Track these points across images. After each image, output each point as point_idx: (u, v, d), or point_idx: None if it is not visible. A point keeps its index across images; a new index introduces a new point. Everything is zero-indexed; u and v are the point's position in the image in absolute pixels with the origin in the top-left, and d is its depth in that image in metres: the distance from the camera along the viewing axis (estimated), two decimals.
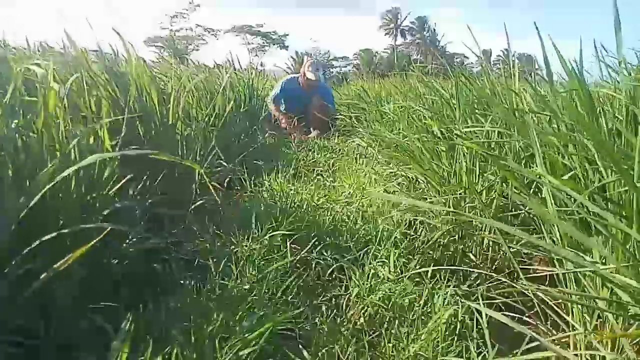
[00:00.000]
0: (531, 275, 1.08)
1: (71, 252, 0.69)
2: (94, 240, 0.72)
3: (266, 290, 1.08)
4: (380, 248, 1.29)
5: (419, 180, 1.84)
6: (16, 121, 0.89)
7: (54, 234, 0.73)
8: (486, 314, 0.83)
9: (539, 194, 1.18)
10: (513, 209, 1.34)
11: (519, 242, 1.11)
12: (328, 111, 3.89)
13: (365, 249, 1.30)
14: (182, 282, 1.10)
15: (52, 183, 0.75)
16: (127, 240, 1.05)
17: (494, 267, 1.31)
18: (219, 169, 1.95)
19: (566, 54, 1.09)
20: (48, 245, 0.73)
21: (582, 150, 0.99)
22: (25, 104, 0.96)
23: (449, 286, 1.08)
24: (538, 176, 0.98)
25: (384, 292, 1.08)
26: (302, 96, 3.98)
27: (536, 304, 0.95)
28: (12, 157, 0.83)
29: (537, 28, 1.07)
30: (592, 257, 0.91)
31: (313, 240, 1.33)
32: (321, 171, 2.42)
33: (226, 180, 1.95)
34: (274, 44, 41.01)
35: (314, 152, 3.01)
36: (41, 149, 0.87)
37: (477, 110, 1.69)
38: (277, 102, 4.02)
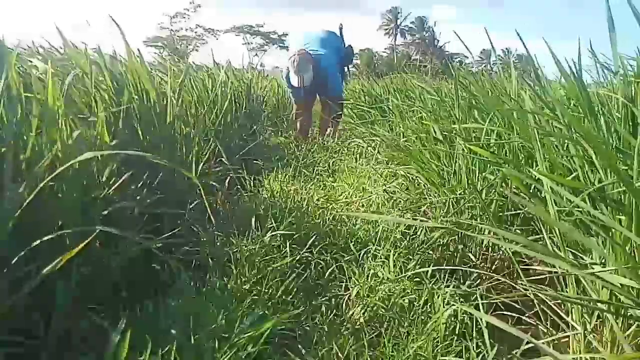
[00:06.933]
0: (531, 275, 1.08)
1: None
2: (88, 239, 0.72)
3: (266, 290, 1.08)
4: (380, 248, 1.29)
5: (418, 180, 1.84)
6: (16, 116, 0.88)
7: (52, 235, 0.73)
8: (482, 318, 0.83)
9: (540, 192, 1.17)
10: (513, 208, 1.34)
11: (519, 243, 1.11)
12: (331, 109, 3.73)
13: (365, 249, 1.30)
14: (181, 282, 1.10)
15: (51, 176, 0.75)
16: (127, 240, 1.05)
17: (493, 267, 1.31)
18: (219, 168, 1.95)
19: (566, 55, 1.09)
20: (47, 245, 0.73)
21: (581, 150, 0.99)
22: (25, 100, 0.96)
23: (448, 286, 1.08)
24: (536, 179, 0.98)
25: (384, 292, 1.08)
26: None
27: (536, 304, 0.95)
28: (11, 152, 0.83)
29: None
30: (591, 257, 0.91)
31: (313, 240, 1.33)
32: (321, 171, 2.42)
33: (226, 180, 1.95)
34: (273, 44, 41.04)
35: (313, 152, 3.00)
36: (41, 144, 0.87)
37: (475, 111, 1.69)
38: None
